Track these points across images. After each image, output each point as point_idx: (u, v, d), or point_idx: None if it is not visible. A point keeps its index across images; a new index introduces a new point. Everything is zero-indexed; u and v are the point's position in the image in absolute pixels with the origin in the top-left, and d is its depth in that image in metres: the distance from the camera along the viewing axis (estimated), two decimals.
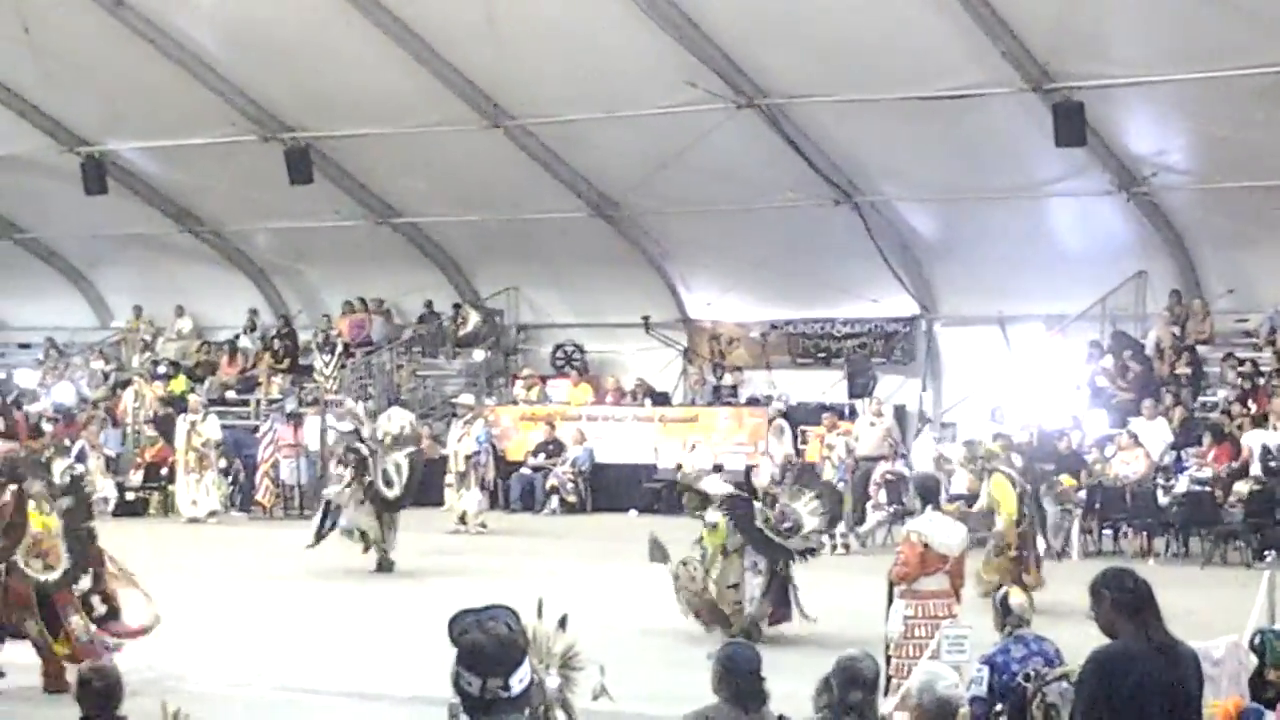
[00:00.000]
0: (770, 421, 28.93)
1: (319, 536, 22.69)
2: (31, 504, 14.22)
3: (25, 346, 40.28)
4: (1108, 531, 25.84)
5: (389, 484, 22.73)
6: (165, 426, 31.41)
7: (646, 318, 33.89)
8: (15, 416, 32.80)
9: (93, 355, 38.43)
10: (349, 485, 22.67)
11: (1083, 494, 25.21)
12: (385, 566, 22.54)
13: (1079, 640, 8.51)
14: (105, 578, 14.53)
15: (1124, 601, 7.66)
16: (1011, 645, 10.17)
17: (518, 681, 5.82)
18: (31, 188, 36.29)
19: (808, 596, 17.36)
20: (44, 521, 14.25)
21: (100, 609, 14.42)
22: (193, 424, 29.72)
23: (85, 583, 14.35)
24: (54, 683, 13.86)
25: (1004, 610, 10.43)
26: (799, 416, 30.30)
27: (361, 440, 23.37)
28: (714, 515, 17.29)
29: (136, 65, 30.42)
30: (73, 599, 14.13)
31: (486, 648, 5.79)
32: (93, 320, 40.44)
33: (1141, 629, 7.58)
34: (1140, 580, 7.75)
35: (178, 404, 32.33)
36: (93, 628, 14.11)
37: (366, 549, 22.60)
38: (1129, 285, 30.01)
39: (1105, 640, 7.69)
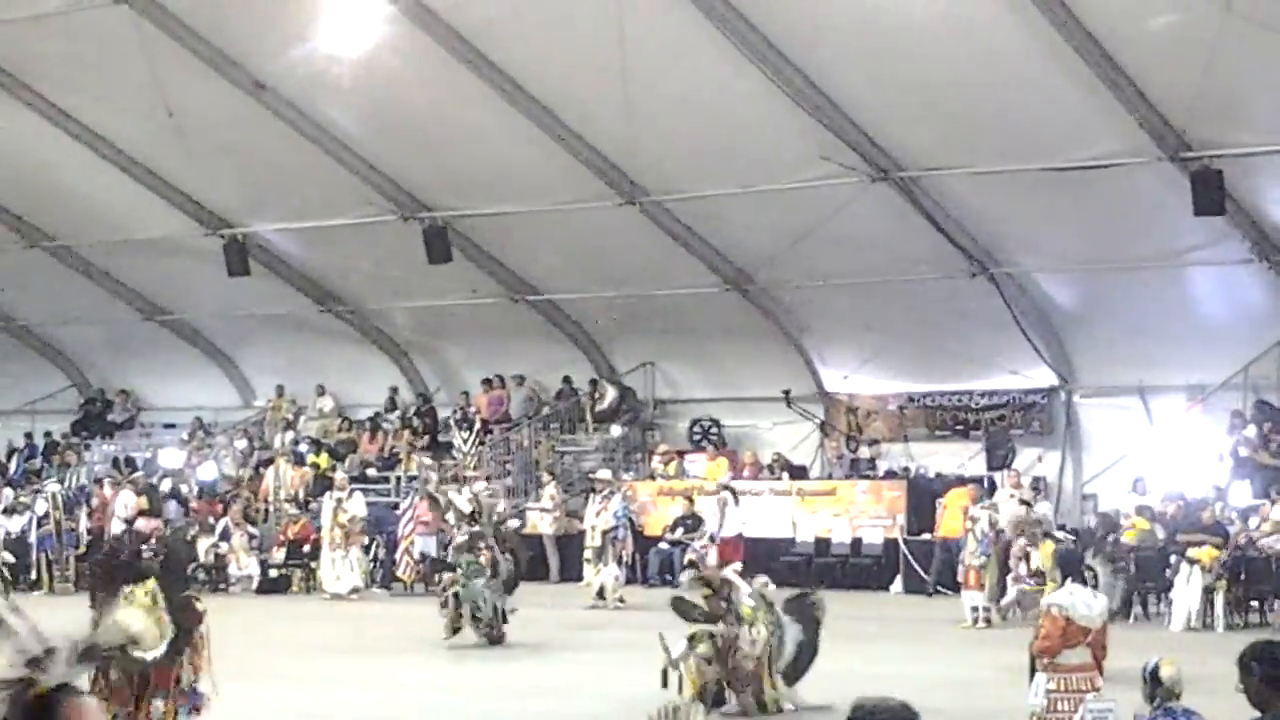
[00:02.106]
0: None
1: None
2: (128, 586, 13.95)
3: (170, 426, 40.84)
4: (1254, 603, 25.49)
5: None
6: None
7: (787, 391, 33.86)
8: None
9: (236, 434, 38.94)
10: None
11: (1226, 564, 24.91)
12: (497, 639, 22.58)
13: (1228, 714, 8.41)
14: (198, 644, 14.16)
15: (1275, 675, 7.58)
16: (1160, 718, 10.07)
17: None
18: (176, 270, 36.91)
19: (916, 668, 17.29)
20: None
21: (189, 676, 14.11)
22: (338, 501, 30.00)
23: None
24: None
25: (1154, 682, 10.33)
26: (937, 489, 30.21)
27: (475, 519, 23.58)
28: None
29: (277, 147, 30.92)
30: (169, 680, 13.83)
31: None
32: (236, 400, 40.97)
33: None
34: None
35: (321, 481, 32.68)
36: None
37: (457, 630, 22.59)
38: (1270, 355, 29.63)
39: (1255, 714, 7.61)
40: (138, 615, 13.35)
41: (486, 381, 36.81)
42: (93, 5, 27.81)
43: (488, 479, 29.40)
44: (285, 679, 19.58)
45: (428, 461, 32.52)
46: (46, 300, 39.32)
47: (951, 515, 28.61)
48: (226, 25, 28.65)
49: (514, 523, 24.17)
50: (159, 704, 13.59)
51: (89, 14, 28.11)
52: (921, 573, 29.29)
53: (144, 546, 14.99)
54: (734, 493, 30.02)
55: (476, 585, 22.49)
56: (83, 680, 5.95)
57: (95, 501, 32.77)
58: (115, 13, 27.82)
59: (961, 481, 29.85)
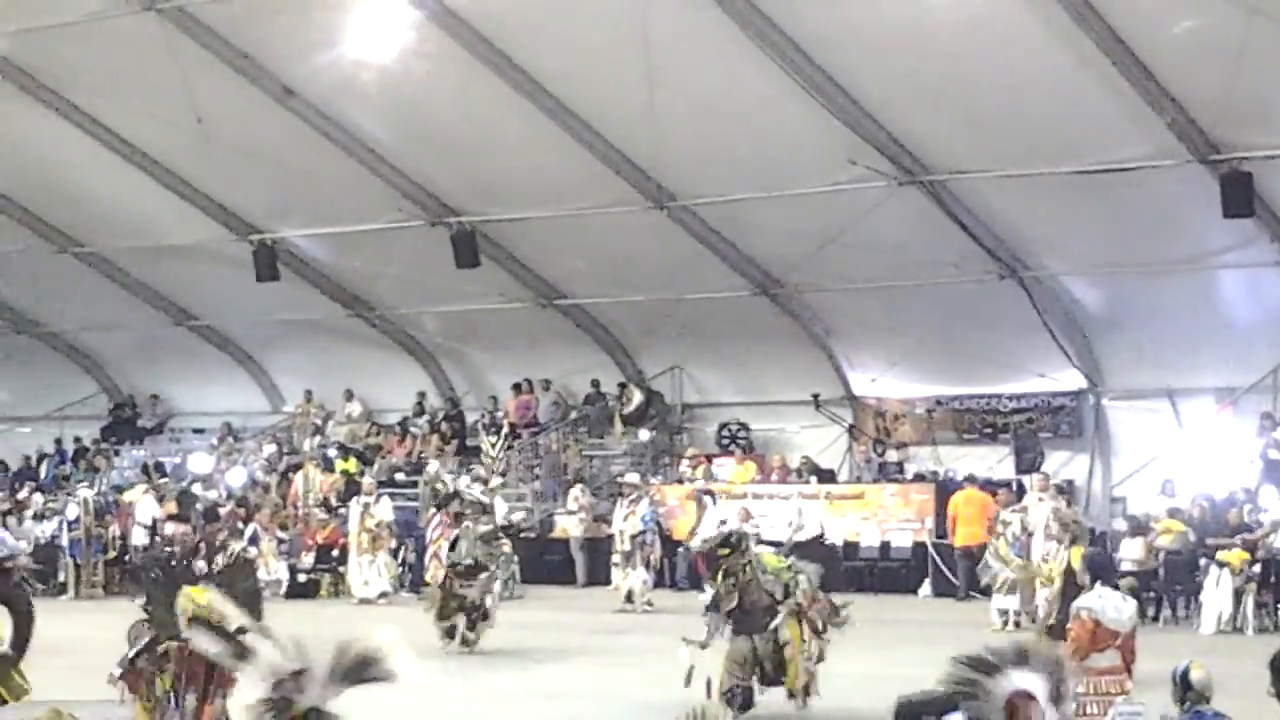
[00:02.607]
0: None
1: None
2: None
3: (199, 432, 40.95)
4: None
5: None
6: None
7: (816, 395, 33.82)
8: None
9: (265, 439, 39.02)
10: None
11: (1257, 568, 24.85)
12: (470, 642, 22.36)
13: (1258, 717, 8.40)
14: None
15: None
16: None
17: None
18: (205, 275, 37.02)
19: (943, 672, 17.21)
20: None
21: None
22: (366, 505, 30.04)
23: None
24: None
25: (1184, 685, 10.32)
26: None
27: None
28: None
29: (305, 153, 30.98)
30: (228, 681, 13.73)
31: None
32: (264, 405, 41.04)
33: None
34: None
35: (351, 486, 32.75)
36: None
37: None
38: None
39: None
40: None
41: (515, 386, 36.84)
42: (121, 13, 27.94)
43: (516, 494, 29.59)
44: None
45: (434, 463, 32.67)
46: (76, 306, 39.44)
47: (965, 522, 28.70)
48: (254, 32, 28.75)
49: (518, 516, 24.11)
50: (220, 703, 13.49)
51: (117, 21, 28.22)
52: (950, 576, 29.26)
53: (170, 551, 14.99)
54: (712, 495, 30.24)
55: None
56: (334, 702, 5.87)
57: (118, 508, 32.76)
58: (143, 20, 27.93)
59: (972, 483, 29.92)
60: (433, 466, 31.61)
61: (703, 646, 16.49)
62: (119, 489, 34.96)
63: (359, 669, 5.96)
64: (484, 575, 22.21)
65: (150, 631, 12.63)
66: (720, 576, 16.75)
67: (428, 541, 30.38)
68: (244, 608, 13.40)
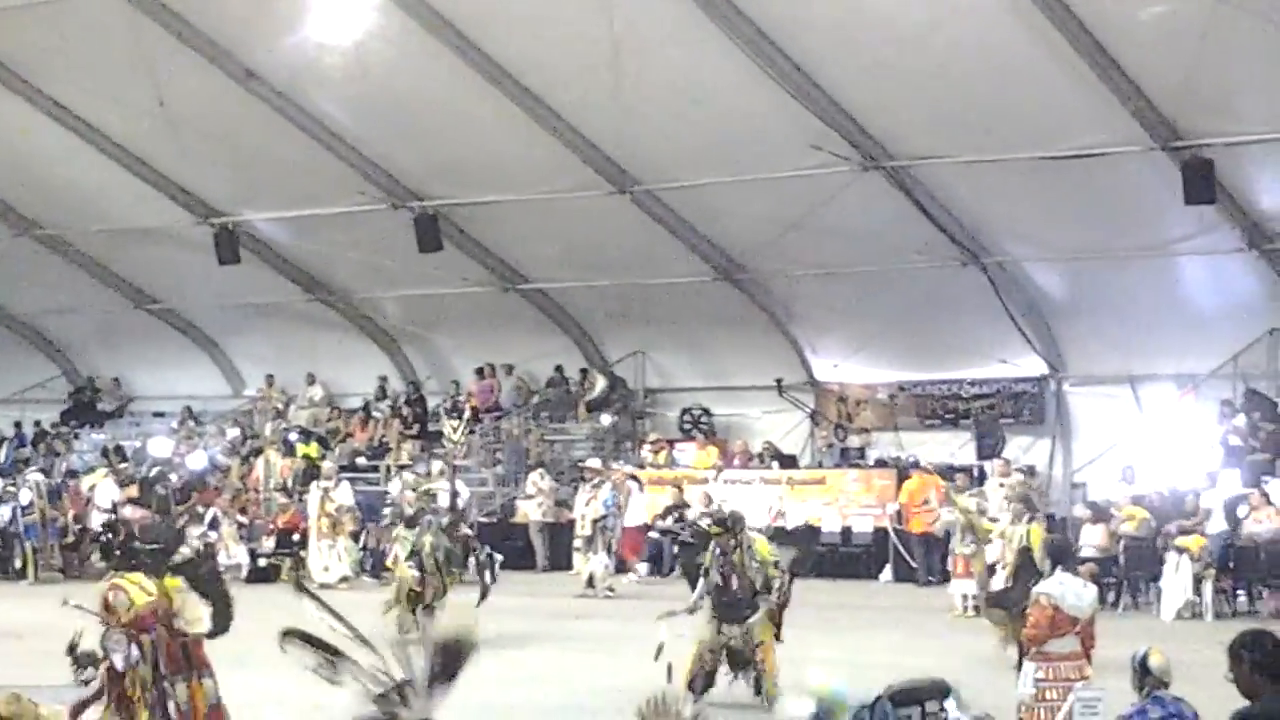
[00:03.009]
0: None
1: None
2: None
3: (159, 415, 40.83)
4: (1241, 591, 25.55)
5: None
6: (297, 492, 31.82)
7: (780, 380, 33.86)
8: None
9: (226, 423, 38.92)
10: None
11: (1212, 552, 24.96)
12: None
13: (1217, 702, 8.42)
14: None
15: (1264, 663, 7.61)
16: (1150, 706, 10.09)
17: None
18: (165, 258, 36.91)
19: (907, 658, 17.25)
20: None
21: None
22: (325, 490, 29.97)
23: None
24: None
25: (1143, 671, 10.35)
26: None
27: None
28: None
29: (268, 136, 30.89)
30: (204, 660, 13.59)
31: None
32: (225, 389, 40.94)
33: None
34: None
35: (310, 471, 32.66)
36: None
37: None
38: (1260, 344, 29.64)
39: (1244, 702, 7.63)
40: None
41: (478, 371, 36.83)
42: None
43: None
44: (277, 666, 19.51)
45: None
46: (36, 289, 39.30)
47: (919, 508, 28.90)
48: (217, 14, 28.65)
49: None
50: (209, 683, 13.35)
51: (80, 3, 28.12)
52: (910, 561, 29.34)
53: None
54: (638, 481, 30.21)
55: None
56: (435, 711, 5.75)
57: (71, 491, 32.56)
58: (106, 2, 27.83)
59: (918, 468, 30.19)
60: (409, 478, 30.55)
61: (690, 612, 16.48)
62: (73, 474, 34.78)
63: (454, 663, 5.85)
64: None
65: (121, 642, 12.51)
66: (711, 554, 16.72)
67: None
68: (210, 600, 13.32)
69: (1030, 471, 29.69)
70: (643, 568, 30.35)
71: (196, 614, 12.85)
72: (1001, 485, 27.24)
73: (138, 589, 12.45)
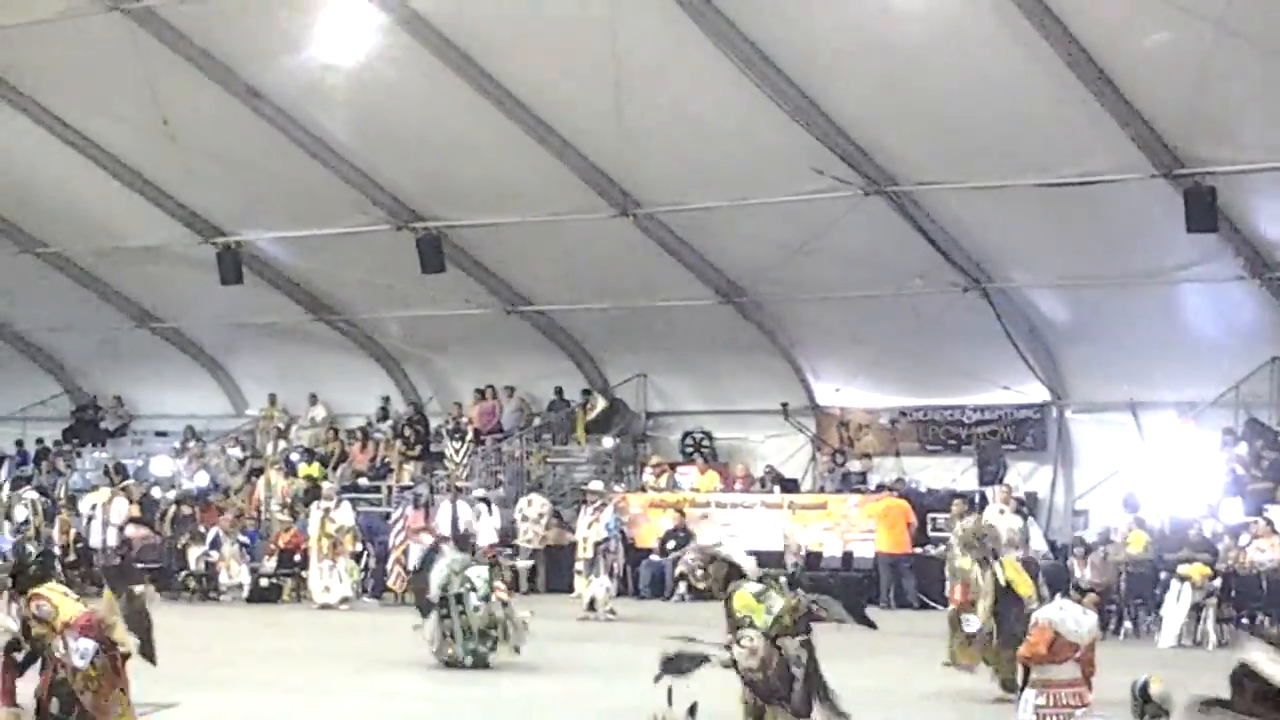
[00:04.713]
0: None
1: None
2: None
3: (162, 434, 40.81)
4: (1243, 620, 25.48)
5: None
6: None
7: (785, 404, 33.84)
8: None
9: (228, 443, 38.91)
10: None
11: (1217, 582, 24.94)
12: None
13: None
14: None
15: (1267, 693, 7.59)
16: None
17: None
18: (169, 278, 36.91)
19: (906, 683, 17.15)
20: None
21: None
22: (326, 510, 29.94)
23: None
24: None
25: (1143, 699, 10.34)
26: (928, 503, 30.30)
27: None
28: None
29: (271, 156, 30.89)
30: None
31: None
32: (228, 408, 40.91)
33: None
34: None
35: (310, 491, 32.65)
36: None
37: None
38: (1262, 372, 29.60)
39: None
40: None
41: (479, 392, 36.81)
42: (87, 12, 27.81)
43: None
44: (270, 688, 19.53)
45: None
46: (39, 307, 39.30)
47: (887, 528, 29.15)
48: (220, 33, 28.66)
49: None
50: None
51: (82, 21, 28.09)
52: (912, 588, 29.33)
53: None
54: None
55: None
56: None
57: (69, 509, 32.54)
58: (109, 20, 27.85)
59: (888, 491, 30.57)
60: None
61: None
62: (74, 496, 34.63)
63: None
64: None
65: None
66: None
67: (390, 547, 30.51)
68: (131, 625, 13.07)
69: (1029, 501, 29.69)
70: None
71: (124, 635, 12.72)
72: (1002, 512, 27.25)
73: (60, 596, 12.43)
